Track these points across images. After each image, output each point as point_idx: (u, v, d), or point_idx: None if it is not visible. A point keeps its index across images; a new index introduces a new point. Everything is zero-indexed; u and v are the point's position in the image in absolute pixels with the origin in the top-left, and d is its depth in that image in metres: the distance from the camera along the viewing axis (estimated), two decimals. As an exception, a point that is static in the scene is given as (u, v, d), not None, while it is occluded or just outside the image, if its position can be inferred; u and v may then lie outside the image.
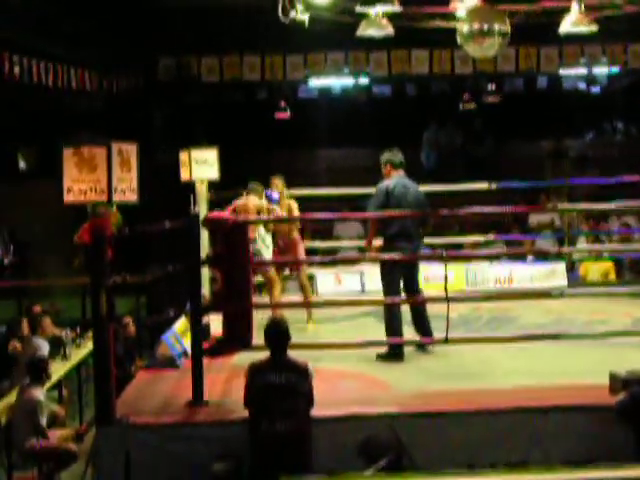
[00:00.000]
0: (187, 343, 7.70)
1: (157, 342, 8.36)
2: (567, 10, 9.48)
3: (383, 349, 8.12)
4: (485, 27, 8.77)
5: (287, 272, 10.56)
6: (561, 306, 10.04)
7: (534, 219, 15.16)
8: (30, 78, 11.71)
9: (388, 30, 9.86)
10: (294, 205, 10.25)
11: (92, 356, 6.87)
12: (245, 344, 7.27)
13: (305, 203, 10.87)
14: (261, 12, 12.41)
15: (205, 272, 9.32)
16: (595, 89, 19.89)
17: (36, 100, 14.94)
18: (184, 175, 10.43)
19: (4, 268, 16.31)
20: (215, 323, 8.16)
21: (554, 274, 12.15)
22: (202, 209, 10.15)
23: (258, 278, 10.05)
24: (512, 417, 6.44)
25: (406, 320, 8.38)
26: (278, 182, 10.29)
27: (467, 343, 7.84)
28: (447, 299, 7.44)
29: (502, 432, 6.37)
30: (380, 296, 8.55)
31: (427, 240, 9.80)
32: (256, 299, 9.43)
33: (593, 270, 13.25)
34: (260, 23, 13.73)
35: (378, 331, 8.42)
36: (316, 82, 17.21)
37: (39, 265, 15.99)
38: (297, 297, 10.57)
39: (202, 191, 10.40)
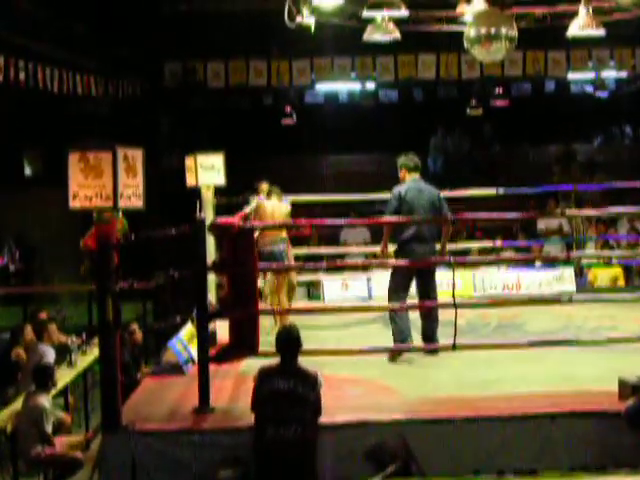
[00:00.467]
0: (193, 349, 7.66)
1: (163, 348, 8.33)
2: (575, 14, 9.47)
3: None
4: (492, 31, 8.75)
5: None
6: (570, 312, 9.98)
7: (542, 224, 15.09)
8: (36, 84, 11.70)
9: (395, 35, 9.85)
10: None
11: (98, 363, 6.83)
12: (252, 350, 7.24)
13: (311, 209, 10.86)
14: (267, 17, 12.44)
15: (212, 278, 9.29)
16: (603, 93, 19.80)
17: (42, 106, 14.95)
18: (190, 181, 10.40)
19: (10, 274, 16.28)
20: (222, 329, 8.12)
21: (562, 280, 12.10)
22: (208, 215, 10.11)
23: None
24: (521, 423, 6.38)
25: (415, 326, 8.35)
26: (264, 187, 10.54)
27: (475, 349, 7.79)
28: (455, 305, 7.41)
29: (511, 439, 6.33)
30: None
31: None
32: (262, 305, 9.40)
33: (602, 276, 13.20)
34: (266, 28, 13.73)
35: (385, 337, 8.40)
36: (322, 87, 17.20)
37: (45, 271, 15.99)
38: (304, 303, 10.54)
39: (208, 197, 10.37)
